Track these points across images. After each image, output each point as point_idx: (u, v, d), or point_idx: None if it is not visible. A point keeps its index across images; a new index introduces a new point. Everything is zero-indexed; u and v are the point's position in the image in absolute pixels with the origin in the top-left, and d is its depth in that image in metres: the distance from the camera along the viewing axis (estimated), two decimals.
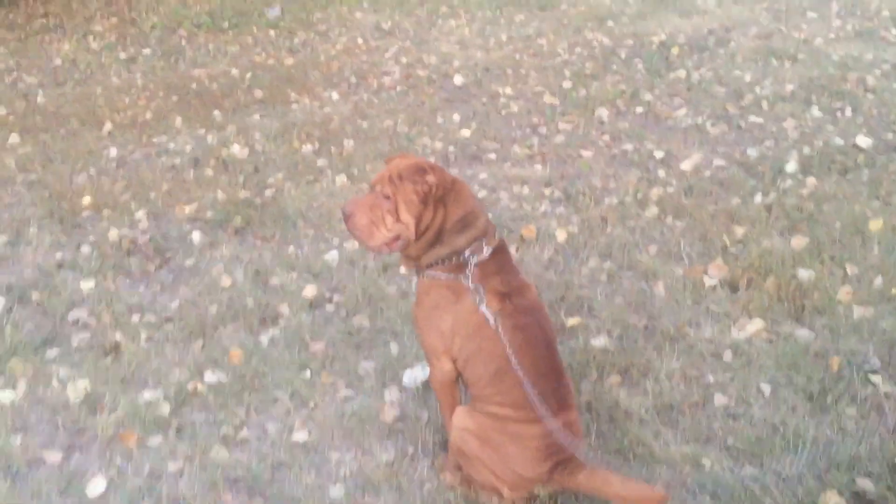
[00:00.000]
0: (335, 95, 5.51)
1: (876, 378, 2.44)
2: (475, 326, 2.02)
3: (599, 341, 2.67)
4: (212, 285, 3.12)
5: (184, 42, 7.26)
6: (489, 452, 1.99)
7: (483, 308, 2.00)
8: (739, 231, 3.33)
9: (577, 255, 3.27)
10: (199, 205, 3.81)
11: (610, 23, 7.25)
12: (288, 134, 4.76)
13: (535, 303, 2.10)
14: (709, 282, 2.98)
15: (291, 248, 3.41)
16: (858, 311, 2.74)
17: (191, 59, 6.67)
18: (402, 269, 3.06)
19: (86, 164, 4.44)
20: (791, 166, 4.00)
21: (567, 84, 5.55)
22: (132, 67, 6.46)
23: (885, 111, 4.73)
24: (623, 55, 6.22)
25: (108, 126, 5.01)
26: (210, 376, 2.54)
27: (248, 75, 6.01)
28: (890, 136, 4.36)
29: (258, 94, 5.54)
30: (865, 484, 2.05)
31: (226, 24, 7.81)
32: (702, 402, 2.38)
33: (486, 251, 2.05)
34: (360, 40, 7.10)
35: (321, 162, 4.35)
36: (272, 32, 7.52)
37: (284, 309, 2.94)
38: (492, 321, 1.99)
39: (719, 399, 2.38)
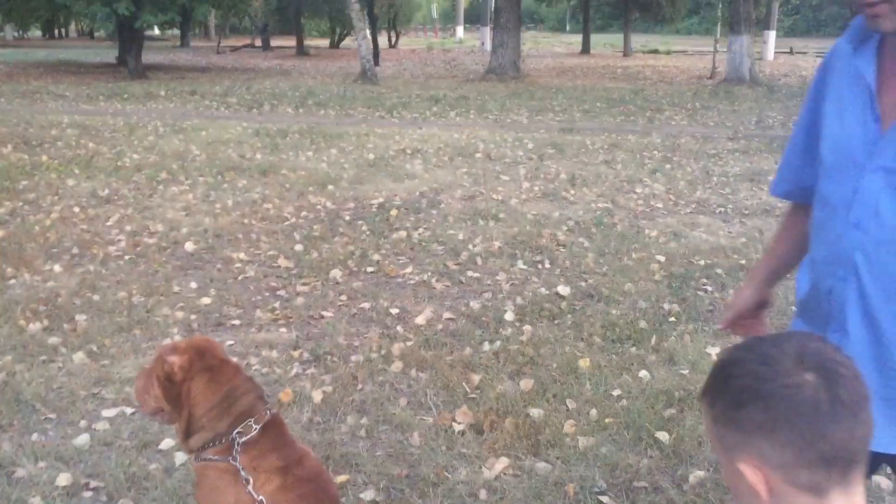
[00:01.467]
0: (58, 268, 5.31)
1: (604, 498, 2.84)
2: None
3: (368, 495, 2.83)
4: None
5: None
6: None
7: (249, 489, 2.08)
8: (476, 378, 3.72)
9: (334, 413, 3.44)
10: None
11: (330, 187, 7.75)
12: (10, 312, 4.51)
13: (316, 469, 2.22)
14: (457, 427, 3.29)
15: (35, 436, 3.23)
16: (582, 441, 3.18)
17: None
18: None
19: None
20: (509, 315, 4.54)
21: (299, 247, 5.84)
22: None
23: (575, 262, 5.54)
24: (347, 217, 6.68)
25: None
26: None
27: None
28: (583, 284, 5.10)
29: None
30: None
31: None
32: None
33: (254, 430, 2.14)
34: (76, 209, 6.93)
35: (53, 340, 4.16)
36: None
37: (36, 501, 2.77)
38: (257, 500, 2.06)
39: None
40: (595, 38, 41.34)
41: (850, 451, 0.99)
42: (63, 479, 2.90)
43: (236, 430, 2.08)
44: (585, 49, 36.56)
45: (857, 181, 1.43)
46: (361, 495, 2.84)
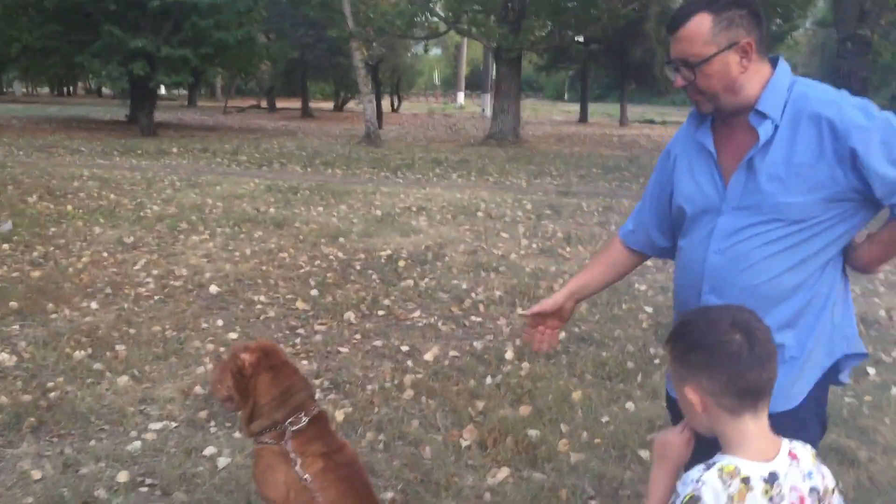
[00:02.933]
0: (94, 305, 5.78)
1: (593, 502, 3.28)
2: (304, 482, 2.55)
3: (388, 495, 3.26)
4: (20, 479, 3.29)
5: None
6: None
7: (297, 469, 2.53)
8: (480, 404, 4.17)
9: (355, 430, 3.89)
10: None
11: (341, 239, 8.27)
12: (56, 342, 4.96)
13: (352, 457, 2.68)
14: (464, 443, 3.74)
15: (93, 442, 3.66)
16: (574, 457, 3.63)
17: None
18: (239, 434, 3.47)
19: None
20: (509, 354, 5.00)
21: (314, 292, 6.32)
22: None
23: None
24: (358, 267, 7.17)
25: None
26: None
27: None
28: (577, 329, 5.57)
29: (13, 304, 5.65)
30: None
31: None
32: None
33: (304, 421, 2.60)
34: (104, 254, 7.42)
35: (98, 366, 4.61)
36: (6, 246, 7.56)
37: (101, 493, 3.20)
38: (303, 477, 2.51)
39: None
40: (593, 107, 42.52)
41: (759, 389, 1.49)
42: (122, 476, 3.33)
43: (289, 420, 2.54)
44: (583, 118, 37.62)
45: (714, 222, 1.98)
46: (382, 495, 3.26)
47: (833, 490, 1.56)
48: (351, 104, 44.36)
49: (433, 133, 27.27)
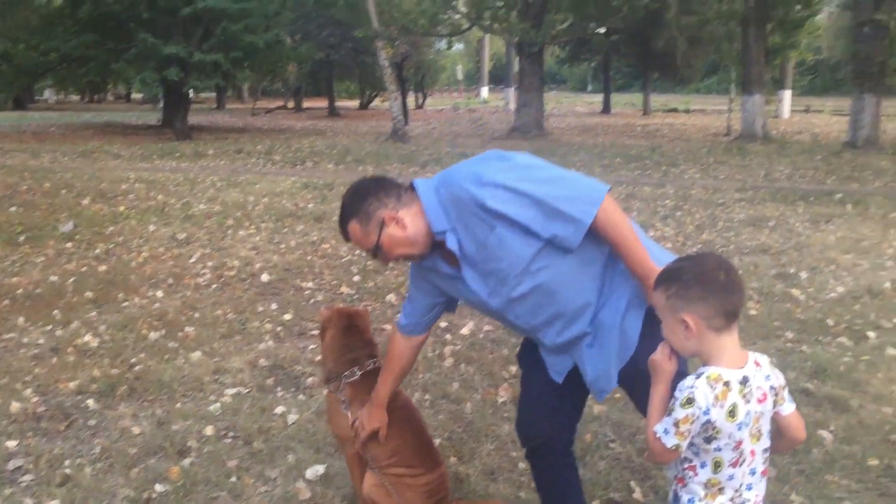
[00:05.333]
0: (160, 293, 6.38)
1: (613, 444, 3.80)
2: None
3: (435, 441, 3.79)
4: (123, 434, 3.87)
5: None
6: (392, 500, 3.02)
7: (346, 411, 3.04)
8: (513, 369, 4.69)
9: (403, 392, 4.42)
10: (80, 381, 4.52)
11: None
12: (133, 324, 5.56)
13: (405, 401, 3.20)
14: (500, 399, 4.27)
15: (179, 405, 4.24)
16: (597, 409, 4.14)
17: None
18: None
19: None
20: None
21: (357, 278, 6.88)
22: None
23: None
24: None
25: None
26: (159, 487, 3.32)
27: (71, 280, 6.69)
28: None
29: (88, 295, 6.27)
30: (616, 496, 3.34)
31: (21, 239, 8.38)
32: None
33: (357, 374, 3.09)
34: (160, 249, 8.03)
35: (172, 344, 5.19)
36: (69, 244, 8.20)
37: (193, 444, 3.78)
38: (350, 421, 3.03)
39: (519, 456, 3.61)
40: (616, 98, 42.77)
41: (737, 309, 1.98)
42: (208, 430, 3.91)
43: (343, 373, 3.05)
44: (606, 108, 37.90)
45: (490, 309, 2.45)
46: None
47: (784, 387, 2.06)
48: (376, 102, 45.00)
49: (458, 128, 27.77)
